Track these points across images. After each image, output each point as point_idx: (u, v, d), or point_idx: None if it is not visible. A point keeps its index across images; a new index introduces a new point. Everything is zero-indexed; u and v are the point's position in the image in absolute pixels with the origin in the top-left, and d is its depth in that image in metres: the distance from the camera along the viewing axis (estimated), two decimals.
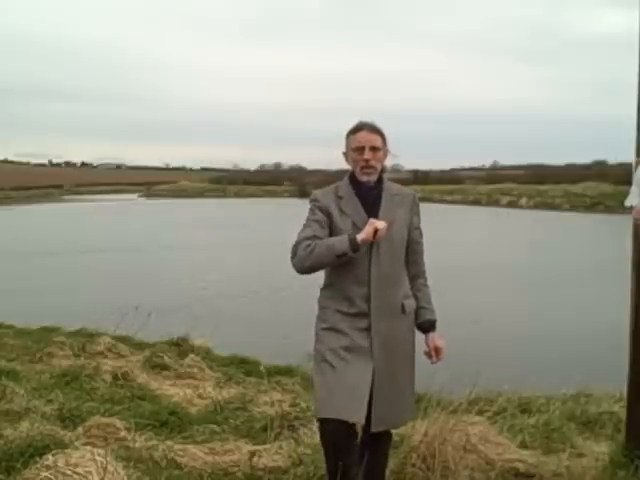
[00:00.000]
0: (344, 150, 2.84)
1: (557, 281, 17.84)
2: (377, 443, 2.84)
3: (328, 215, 2.73)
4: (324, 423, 2.65)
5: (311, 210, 2.78)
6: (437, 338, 2.85)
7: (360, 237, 2.57)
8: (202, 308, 13.15)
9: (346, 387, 2.60)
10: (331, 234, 2.70)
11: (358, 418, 2.61)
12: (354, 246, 2.57)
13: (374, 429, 2.69)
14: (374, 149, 2.73)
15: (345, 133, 2.82)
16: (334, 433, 2.61)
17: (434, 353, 2.83)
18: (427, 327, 2.85)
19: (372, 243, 2.65)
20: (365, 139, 2.73)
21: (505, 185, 62.73)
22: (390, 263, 2.72)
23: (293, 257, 2.69)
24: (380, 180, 2.79)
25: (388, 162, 2.89)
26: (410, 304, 2.81)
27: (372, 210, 2.72)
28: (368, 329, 2.67)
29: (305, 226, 2.75)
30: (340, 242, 2.60)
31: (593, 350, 9.88)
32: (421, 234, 2.90)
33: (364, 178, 2.74)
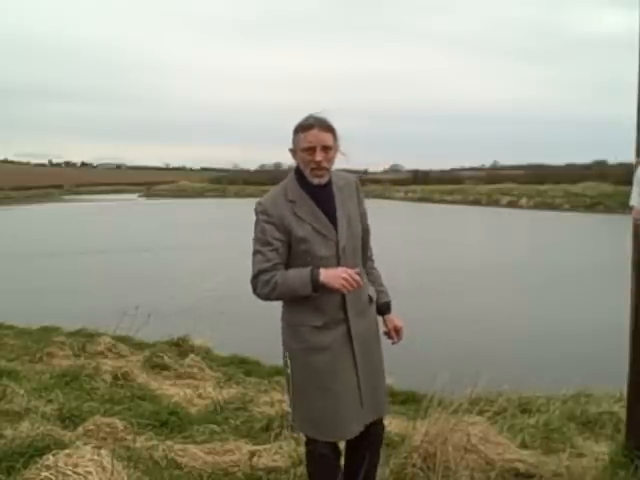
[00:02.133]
0: (291, 147, 2.59)
1: (557, 281, 17.82)
2: (372, 439, 2.74)
3: (282, 227, 2.50)
4: (319, 445, 2.59)
5: (259, 226, 2.53)
6: (396, 318, 2.80)
7: (322, 280, 2.40)
8: (202, 308, 13.15)
9: (346, 405, 2.55)
10: (290, 242, 2.52)
11: (359, 428, 2.60)
12: (316, 289, 2.42)
13: (365, 421, 2.61)
14: (325, 149, 2.50)
15: (293, 128, 2.56)
16: (330, 456, 2.61)
17: (394, 333, 2.78)
18: (384, 309, 2.78)
19: (337, 246, 2.53)
20: (316, 139, 2.48)
21: (505, 185, 62.61)
22: (354, 260, 2.60)
23: (254, 291, 2.54)
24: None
25: (340, 161, 2.65)
26: (372, 292, 2.73)
27: (327, 210, 2.55)
28: (346, 333, 2.56)
29: (256, 251, 2.52)
30: (303, 286, 2.43)
31: (593, 350, 9.87)
32: (367, 218, 2.76)
33: (315, 181, 2.54)
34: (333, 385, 2.55)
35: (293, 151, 2.60)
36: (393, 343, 2.80)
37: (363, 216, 2.73)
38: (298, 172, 2.59)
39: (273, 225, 2.50)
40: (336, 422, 2.56)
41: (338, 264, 2.53)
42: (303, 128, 2.51)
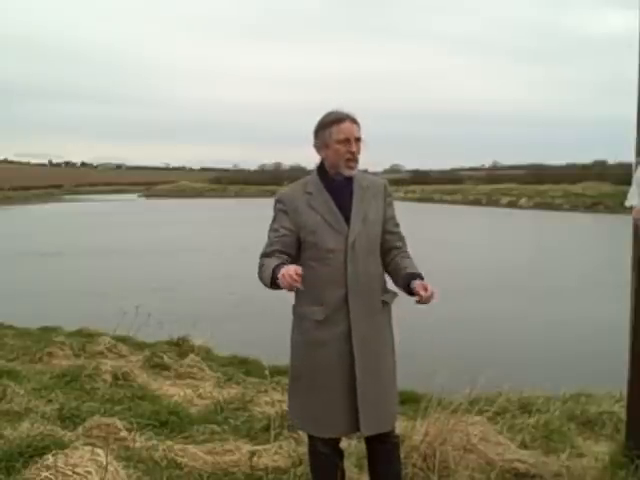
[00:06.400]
0: (316, 143, 2.62)
1: (557, 281, 17.82)
2: (385, 448, 2.71)
3: (294, 217, 2.56)
4: (321, 442, 2.61)
5: (274, 214, 2.62)
6: (423, 282, 2.49)
7: (279, 276, 2.31)
8: (202, 309, 13.15)
9: (337, 403, 2.54)
10: (299, 234, 2.56)
11: (350, 430, 2.60)
12: (274, 285, 2.38)
13: (365, 433, 2.58)
14: (357, 140, 2.58)
15: (319, 124, 2.60)
16: (329, 455, 2.63)
17: (421, 289, 2.45)
18: (414, 279, 2.52)
19: (346, 240, 2.52)
20: (350, 130, 2.56)
21: (505, 185, 62.63)
22: (366, 260, 2.57)
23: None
24: None
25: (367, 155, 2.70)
26: (389, 298, 2.66)
27: (344, 205, 2.57)
28: (348, 332, 2.53)
29: (268, 236, 2.60)
30: (267, 277, 2.42)
31: (593, 350, 9.87)
32: (396, 224, 2.73)
33: (347, 172, 2.58)
34: (327, 382, 2.55)
35: (319, 147, 2.63)
36: (420, 300, 2.46)
37: (390, 220, 2.70)
38: (321, 167, 2.64)
39: (285, 214, 2.58)
40: (325, 417, 2.56)
41: (345, 264, 2.52)
42: (337, 121, 2.57)
